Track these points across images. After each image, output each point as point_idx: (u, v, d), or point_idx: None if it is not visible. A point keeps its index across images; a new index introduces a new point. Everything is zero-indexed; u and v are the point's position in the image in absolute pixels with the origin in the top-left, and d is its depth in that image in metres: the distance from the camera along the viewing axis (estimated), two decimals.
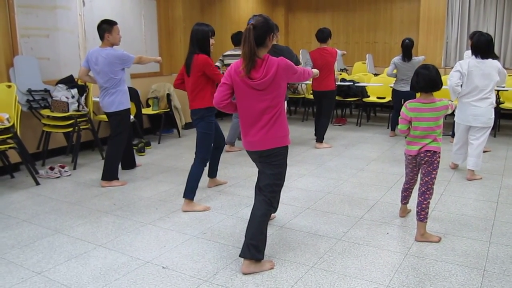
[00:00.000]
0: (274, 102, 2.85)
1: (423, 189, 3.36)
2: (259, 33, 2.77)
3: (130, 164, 5.31)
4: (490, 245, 3.29)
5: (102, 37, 4.55)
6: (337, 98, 7.23)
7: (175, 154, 6.07)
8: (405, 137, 3.49)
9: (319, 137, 6.42)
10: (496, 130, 6.93)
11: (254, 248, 2.88)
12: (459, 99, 4.87)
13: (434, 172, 3.35)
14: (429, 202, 3.36)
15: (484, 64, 4.66)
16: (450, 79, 4.78)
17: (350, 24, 9.80)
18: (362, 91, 7.96)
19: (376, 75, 8.68)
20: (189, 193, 4.00)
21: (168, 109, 6.93)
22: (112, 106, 4.65)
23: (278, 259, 3.09)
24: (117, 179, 4.77)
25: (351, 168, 5.31)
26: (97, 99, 5.11)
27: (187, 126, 7.57)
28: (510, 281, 2.79)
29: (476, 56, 4.71)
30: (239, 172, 5.20)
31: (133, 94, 6.37)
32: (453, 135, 6.55)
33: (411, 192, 3.73)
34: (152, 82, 7.09)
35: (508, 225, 3.65)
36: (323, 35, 6.32)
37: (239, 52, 6.27)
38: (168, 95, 6.90)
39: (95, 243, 3.37)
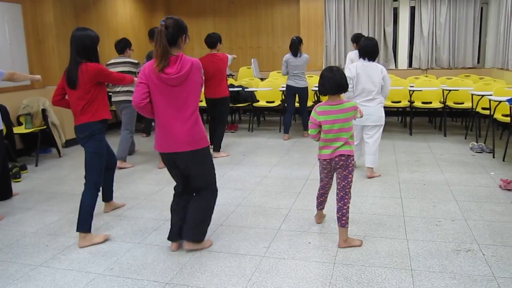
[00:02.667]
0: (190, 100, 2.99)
1: (342, 194, 3.29)
2: (171, 33, 2.90)
3: (6, 194, 4.53)
4: (409, 242, 3.33)
5: None
6: None
7: (58, 177, 5.34)
8: (318, 141, 3.39)
9: (216, 146, 6.17)
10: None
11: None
12: (352, 100, 4.97)
13: (350, 176, 3.30)
14: (348, 207, 3.29)
15: (369, 67, 4.84)
16: None
17: (232, 29, 9.71)
18: (251, 96, 7.88)
19: (262, 79, 8.69)
20: (84, 225, 3.44)
21: (45, 126, 6.12)
22: None
23: None
24: None
25: (255, 176, 5.14)
26: None
27: (68, 143, 6.79)
28: (438, 277, 2.81)
29: (364, 59, 4.88)
30: (136, 191, 4.72)
31: (2, 112, 5.49)
32: None
33: (327, 197, 3.64)
34: (23, 97, 6.22)
35: (417, 219, 3.75)
36: (212, 40, 6.10)
37: (123, 59, 5.81)
38: (44, 110, 6.09)
39: None
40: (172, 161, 3.13)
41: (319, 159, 3.42)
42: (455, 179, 4.81)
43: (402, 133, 7.37)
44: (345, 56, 9.19)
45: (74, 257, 3.23)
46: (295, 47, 6.95)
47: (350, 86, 4.76)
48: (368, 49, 4.85)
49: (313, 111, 3.32)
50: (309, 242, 3.39)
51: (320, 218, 3.75)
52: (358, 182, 4.80)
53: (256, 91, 7.88)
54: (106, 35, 8.30)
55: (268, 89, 7.84)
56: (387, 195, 4.40)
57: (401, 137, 7.09)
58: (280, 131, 7.67)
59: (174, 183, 3.30)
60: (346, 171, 3.28)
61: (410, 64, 9.07)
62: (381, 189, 4.59)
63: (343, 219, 3.26)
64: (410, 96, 7.31)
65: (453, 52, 8.74)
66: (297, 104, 7.25)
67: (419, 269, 2.92)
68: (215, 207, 3.31)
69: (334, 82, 3.21)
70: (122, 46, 5.89)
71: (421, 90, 7.22)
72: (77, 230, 3.44)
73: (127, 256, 3.22)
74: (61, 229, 3.74)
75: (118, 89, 5.70)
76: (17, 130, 5.86)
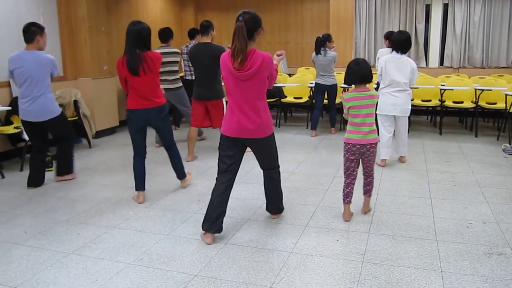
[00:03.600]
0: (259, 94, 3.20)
1: (370, 178, 3.77)
2: (249, 28, 3.05)
3: (39, 180, 4.72)
4: (438, 243, 3.27)
5: (31, 40, 4.34)
6: None
7: (89, 167, 5.45)
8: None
9: None
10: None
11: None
12: (380, 91, 5.17)
13: (373, 160, 3.71)
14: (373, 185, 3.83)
15: (400, 59, 4.99)
16: None
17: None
18: (279, 92, 7.87)
19: (290, 75, 8.66)
20: (183, 173, 4.52)
21: (76, 117, 6.26)
22: (46, 114, 4.46)
23: (231, 281, 2.78)
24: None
25: (282, 172, 5.08)
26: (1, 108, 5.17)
27: (98, 134, 6.93)
28: (469, 280, 2.76)
29: (396, 52, 5.02)
30: (165, 183, 4.75)
31: None
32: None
33: (353, 187, 3.67)
34: (56, 88, 6.31)
35: (447, 221, 3.69)
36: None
37: (168, 49, 5.93)
38: (76, 101, 6.22)
39: (8, 285, 2.79)
40: (235, 144, 3.34)
41: (347, 143, 3.62)
42: (486, 180, 4.71)
43: (432, 133, 7.24)
44: (375, 53, 9.11)
45: (104, 246, 3.29)
46: (318, 45, 6.89)
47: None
48: (400, 42, 5.03)
49: (342, 99, 3.63)
50: (337, 240, 3.37)
51: (348, 215, 3.73)
52: (387, 181, 4.75)
53: (284, 86, 7.85)
54: None
55: (296, 85, 7.80)
56: (416, 195, 4.34)
57: (430, 136, 6.96)
58: (307, 128, 7.63)
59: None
60: (373, 157, 3.68)
61: (441, 63, 8.89)
62: (410, 188, 4.52)
63: (371, 191, 3.82)
64: (441, 95, 7.17)
65: (486, 51, 8.52)
66: (325, 101, 7.21)
67: (449, 271, 2.87)
68: (242, 202, 3.37)
69: (359, 73, 3.53)
70: (166, 34, 6.17)
71: (452, 89, 7.08)
72: (181, 178, 4.51)
73: (156, 247, 3.26)
74: (92, 219, 3.82)
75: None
76: None
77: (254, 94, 3.19)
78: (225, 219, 3.42)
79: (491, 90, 6.85)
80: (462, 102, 7.25)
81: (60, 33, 6.62)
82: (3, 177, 5.02)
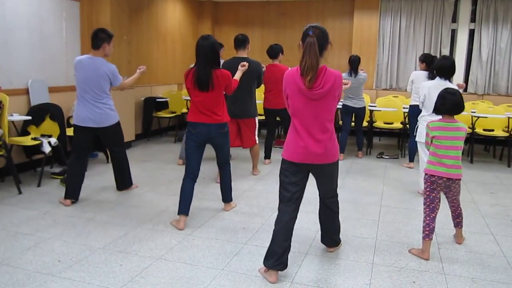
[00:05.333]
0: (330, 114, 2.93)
1: (458, 210, 3.60)
2: (320, 44, 2.86)
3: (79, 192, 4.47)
4: None
5: (97, 46, 4.27)
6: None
7: (109, 184, 4.98)
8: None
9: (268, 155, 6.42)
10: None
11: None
12: (420, 119, 4.94)
13: (459, 193, 3.53)
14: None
15: (445, 86, 4.64)
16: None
17: (280, 41, 9.30)
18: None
19: None
20: (230, 195, 4.29)
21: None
22: (107, 120, 4.38)
23: None
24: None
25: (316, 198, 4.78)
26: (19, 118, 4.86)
27: None
28: None
29: (440, 78, 4.77)
30: (200, 207, 4.37)
31: (56, 112, 5.25)
32: (410, 160, 6.42)
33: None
34: (74, 97, 5.94)
35: None
36: (273, 51, 6.03)
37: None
38: None
39: None
40: (300, 170, 3.00)
41: (432, 175, 3.40)
42: None
43: (463, 161, 6.94)
44: (398, 76, 8.90)
45: (155, 281, 2.88)
46: (355, 65, 6.53)
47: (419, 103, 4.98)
48: (445, 67, 4.76)
49: (426, 127, 3.46)
50: (414, 282, 3.01)
51: (428, 253, 3.36)
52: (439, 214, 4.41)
53: None
54: (155, 39, 8.07)
55: None
56: (475, 230, 4.02)
57: (462, 164, 6.66)
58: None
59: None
60: (459, 190, 3.51)
61: (465, 89, 8.68)
62: (466, 222, 4.17)
63: (461, 221, 3.66)
64: (473, 123, 6.91)
65: None
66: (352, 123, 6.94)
67: None
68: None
69: (456, 104, 3.36)
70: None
71: (486, 117, 6.84)
72: (226, 201, 4.28)
73: (215, 284, 2.87)
74: (131, 247, 3.40)
75: None
76: (68, 132, 5.57)
77: (325, 115, 2.90)
78: None
79: None
80: (492, 130, 7.01)
81: (81, 39, 6.25)
82: (20, 192, 4.58)
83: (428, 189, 3.40)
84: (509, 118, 6.80)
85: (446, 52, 8.56)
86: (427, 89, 4.78)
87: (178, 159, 6.17)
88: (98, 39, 4.26)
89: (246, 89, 5.13)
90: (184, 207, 3.80)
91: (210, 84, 3.71)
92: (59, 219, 3.92)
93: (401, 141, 7.62)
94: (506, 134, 6.84)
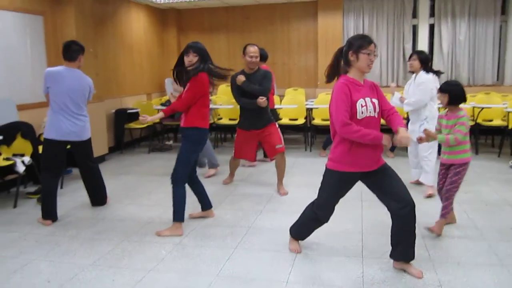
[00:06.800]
0: None
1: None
2: None
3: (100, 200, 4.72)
4: (508, 268, 3.08)
5: (73, 58, 4.21)
6: None
7: (88, 201, 4.88)
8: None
9: None
10: None
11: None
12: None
13: None
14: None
15: None
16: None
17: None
18: (275, 114, 7.61)
19: (280, 96, 8.43)
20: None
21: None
22: (86, 133, 4.39)
23: None
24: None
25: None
26: None
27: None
28: None
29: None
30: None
31: (27, 130, 5.12)
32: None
33: None
34: (44, 114, 5.80)
35: (504, 244, 3.51)
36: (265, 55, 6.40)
37: None
38: None
39: None
40: (355, 180, 3.09)
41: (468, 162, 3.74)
42: None
43: None
44: None
45: None
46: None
47: None
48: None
49: (467, 119, 3.61)
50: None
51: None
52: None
53: (280, 108, 7.60)
54: (121, 50, 7.98)
55: (293, 106, 7.60)
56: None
57: None
58: (305, 150, 7.42)
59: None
60: None
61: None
62: None
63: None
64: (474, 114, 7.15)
65: (472, 70, 8.66)
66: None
67: None
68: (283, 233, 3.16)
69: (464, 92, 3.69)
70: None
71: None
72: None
73: None
74: (121, 261, 3.35)
75: None
76: (40, 149, 5.43)
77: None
78: (272, 255, 3.06)
79: (490, 107, 6.90)
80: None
81: (46, 54, 6.11)
82: None
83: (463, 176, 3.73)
84: (474, 107, 7.06)
85: (409, 47, 8.80)
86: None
87: (208, 169, 5.97)
88: (72, 51, 4.20)
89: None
90: (183, 214, 3.83)
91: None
92: (42, 239, 3.82)
93: None
94: (473, 123, 7.10)
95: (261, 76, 4.91)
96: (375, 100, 2.94)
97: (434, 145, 4.81)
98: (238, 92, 4.91)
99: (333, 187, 3.09)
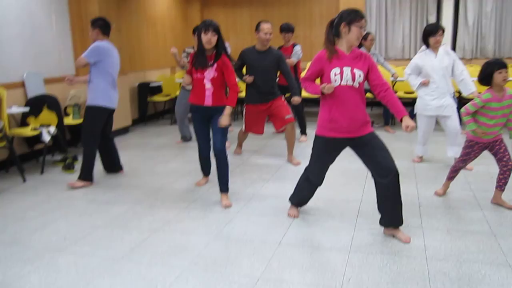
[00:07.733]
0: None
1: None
2: None
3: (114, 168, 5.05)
4: (497, 237, 3.17)
5: (109, 34, 4.57)
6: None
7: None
8: None
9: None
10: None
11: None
12: None
13: None
14: None
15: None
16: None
17: (268, 19, 9.48)
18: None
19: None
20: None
21: None
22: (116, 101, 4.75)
23: (298, 283, 2.64)
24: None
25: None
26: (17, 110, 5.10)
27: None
28: None
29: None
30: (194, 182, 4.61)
31: (53, 102, 5.46)
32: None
33: None
34: (70, 87, 6.14)
35: (498, 213, 3.59)
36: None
37: None
38: None
39: None
40: (339, 146, 3.22)
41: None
42: None
43: None
44: (386, 45, 9.02)
45: (153, 250, 3.13)
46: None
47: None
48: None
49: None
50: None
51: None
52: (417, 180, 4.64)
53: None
54: (145, 25, 8.22)
55: None
56: (456, 188, 4.24)
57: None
58: None
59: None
60: None
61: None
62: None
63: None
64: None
65: (499, 42, 8.48)
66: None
67: None
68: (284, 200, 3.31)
69: None
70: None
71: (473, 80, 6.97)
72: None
73: (208, 250, 3.12)
74: (131, 222, 3.65)
75: None
76: (64, 120, 5.79)
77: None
78: (270, 219, 3.27)
79: None
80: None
81: (71, 30, 6.42)
82: (24, 180, 4.83)
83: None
84: None
85: (432, 19, 8.67)
86: None
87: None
88: (110, 28, 4.57)
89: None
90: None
91: None
92: (63, 202, 4.17)
93: None
94: None
95: (275, 57, 4.99)
96: (357, 71, 3.04)
97: None
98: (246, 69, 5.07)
99: (319, 152, 3.28)
